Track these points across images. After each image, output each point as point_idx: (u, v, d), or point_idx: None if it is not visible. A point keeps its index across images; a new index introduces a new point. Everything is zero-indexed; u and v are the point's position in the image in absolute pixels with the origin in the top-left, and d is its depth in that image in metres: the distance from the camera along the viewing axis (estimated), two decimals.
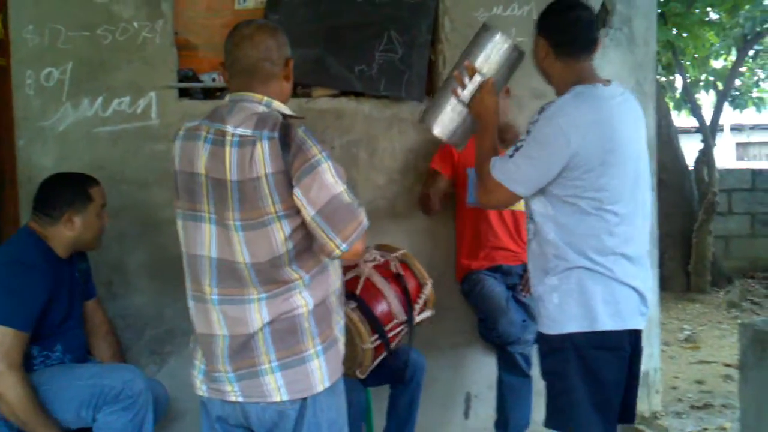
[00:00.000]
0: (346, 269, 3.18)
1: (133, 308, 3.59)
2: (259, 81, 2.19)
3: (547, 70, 2.53)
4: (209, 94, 3.71)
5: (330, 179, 2.04)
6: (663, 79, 10.17)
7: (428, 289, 3.22)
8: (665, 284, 7.78)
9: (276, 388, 2.10)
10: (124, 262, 3.58)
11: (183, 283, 2.25)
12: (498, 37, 2.57)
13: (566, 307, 2.41)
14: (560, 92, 2.47)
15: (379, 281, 3.10)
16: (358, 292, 3.02)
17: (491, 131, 2.56)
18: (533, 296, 2.58)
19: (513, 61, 2.61)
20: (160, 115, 3.57)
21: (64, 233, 2.85)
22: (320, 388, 2.13)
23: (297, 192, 2.03)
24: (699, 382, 5.23)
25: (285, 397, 2.11)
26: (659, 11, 7.47)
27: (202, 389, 2.23)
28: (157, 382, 3.04)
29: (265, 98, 2.17)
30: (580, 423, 2.44)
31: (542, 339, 2.52)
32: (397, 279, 3.16)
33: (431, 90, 3.90)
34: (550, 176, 2.37)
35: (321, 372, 2.13)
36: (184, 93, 3.66)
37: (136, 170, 3.52)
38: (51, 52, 3.48)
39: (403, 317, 3.08)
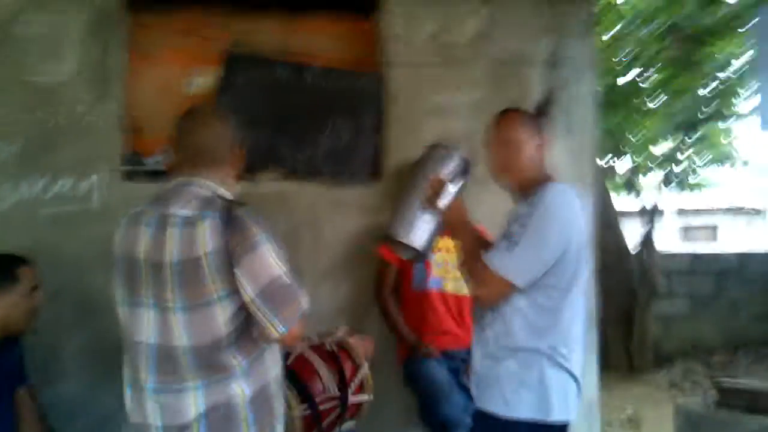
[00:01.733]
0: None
1: (66, 394, 3.49)
2: (207, 165, 2.21)
3: (528, 165, 2.63)
4: (155, 175, 3.70)
5: (270, 261, 2.05)
6: (605, 164, 10.44)
7: (364, 371, 3.20)
8: (607, 365, 7.82)
9: None
10: (60, 346, 3.50)
11: (120, 368, 2.21)
12: (456, 154, 2.73)
13: (523, 394, 2.46)
14: (526, 186, 2.59)
15: (312, 357, 3.08)
16: (288, 363, 3.00)
17: (468, 232, 2.64)
18: (481, 375, 2.59)
19: (467, 171, 2.75)
20: (103, 197, 3.56)
21: None
22: None
23: (237, 272, 2.03)
24: None
25: None
26: (604, 100, 7.76)
27: None
28: None
29: (210, 183, 2.19)
30: None
31: (487, 418, 2.54)
32: (331, 357, 3.14)
33: (377, 175, 3.96)
34: (544, 268, 2.44)
35: None
36: (130, 176, 3.65)
37: (74, 253, 3.48)
38: None
39: (335, 392, 3.05)
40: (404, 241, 2.70)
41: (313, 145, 3.85)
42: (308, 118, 3.86)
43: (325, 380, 3.04)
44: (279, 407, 2.22)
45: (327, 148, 3.86)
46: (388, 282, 3.78)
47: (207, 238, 2.02)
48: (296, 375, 2.97)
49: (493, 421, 2.51)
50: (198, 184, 2.18)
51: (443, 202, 2.64)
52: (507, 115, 2.71)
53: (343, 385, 3.08)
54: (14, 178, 3.49)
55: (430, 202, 2.64)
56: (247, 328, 2.10)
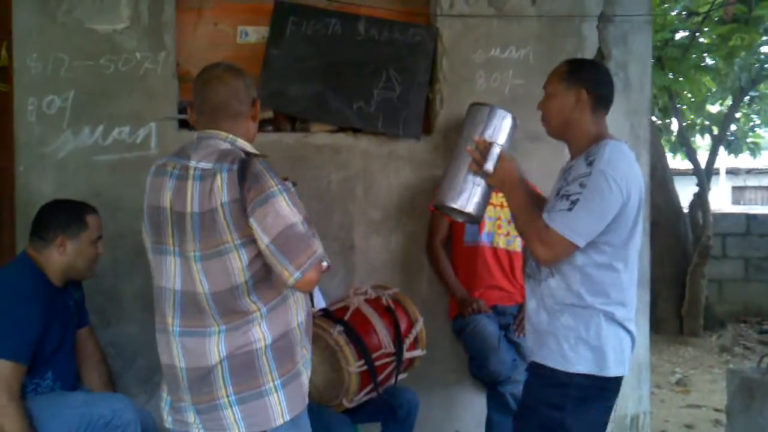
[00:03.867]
0: (335, 300, 3.21)
1: (125, 337, 3.59)
2: (226, 119, 2.28)
3: (574, 121, 2.59)
4: None
5: (285, 209, 2.10)
6: (659, 122, 10.25)
7: (419, 327, 3.24)
8: (658, 327, 7.81)
9: (234, 421, 2.15)
10: (118, 291, 3.59)
11: None
12: (499, 111, 2.70)
13: (580, 349, 2.49)
14: (581, 144, 2.57)
15: (369, 312, 3.12)
16: (346, 318, 3.04)
17: (520, 191, 2.61)
18: (537, 330, 2.61)
19: (513, 129, 2.73)
20: (159, 145, 3.61)
21: (56, 258, 2.86)
22: (279, 422, 2.17)
23: (252, 221, 2.09)
24: (689, 426, 5.22)
25: (242, 431, 2.15)
26: (656, 56, 7.58)
27: (168, 421, 2.29)
28: (146, 412, 3.03)
29: (230, 136, 2.27)
30: None
31: (544, 371, 2.56)
32: (387, 312, 3.17)
33: (428, 129, 3.95)
34: (603, 227, 2.45)
35: (280, 406, 2.17)
36: (183, 124, 3.70)
37: (133, 199, 3.50)
38: (54, 81, 3.53)
39: (391, 349, 3.09)
40: (455, 206, 2.69)
41: (365, 98, 3.84)
42: (360, 70, 3.85)
43: (381, 335, 3.08)
44: (302, 354, 2.27)
45: (379, 100, 3.85)
46: (439, 236, 3.80)
47: (223, 189, 2.10)
48: (354, 330, 3.01)
49: (551, 375, 2.54)
50: (218, 137, 2.26)
51: (491, 163, 2.61)
52: (554, 70, 2.67)
53: (398, 340, 3.12)
54: (74, 125, 3.55)
55: (478, 165, 2.63)
56: (265, 276, 2.17)
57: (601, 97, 2.60)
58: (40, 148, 3.53)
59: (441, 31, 3.95)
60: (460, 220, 2.85)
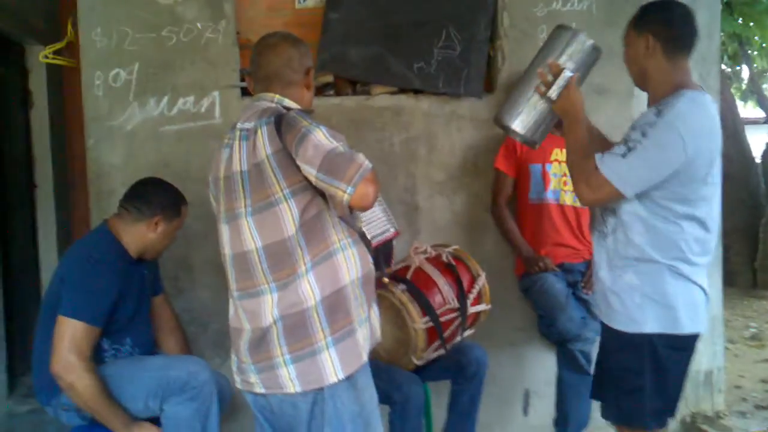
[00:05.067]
0: (396, 261, 3.22)
1: (198, 303, 3.69)
2: (278, 87, 2.35)
3: (649, 68, 2.50)
4: None
5: (322, 139, 2.12)
6: (729, 69, 9.94)
7: (482, 281, 3.23)
8: (731, 280, 7.62)
9: (289, 380, 2.20)
10: (190, 258, 3.68)
11: None
12: (581, 36, 2.62)
13: (647, 308, 2.44)
14: (658, 92, 2.47)
15: (430, 269, 3.13)
16: (408, 276, 3.06)
17: (580, 125, 2.56)
18: (603, 288, 2.58)
19: (593, 59, 2.65)
20: (223, 113, 3.66)
21: (145, 234, 2.94)
22: (333, 379, 2.19)
23: (299, 162, 2.13)
24: (764, 381, 5.11)
25: (298, 389, 2.20)
26: (725, 1, 7.32)
27: (237, 381, 2.38)
28: (221, 375, 3.11)
29: (278, 96, 2.33)
30: (647, 419, 2.51)
31: (615, 335, 2.53)
32: (448, 269, 3.18)
33: (490, 87, 3.90)
34: (660, 180, 2.37)
35: (332, 364, 2.19)
36: (246, 92, 3.73)
37: (201, 168, 3.59)
38: (118, 54, 3.60)
39: (455, 304, 3.10)
40: (509, 125, 2.66)
41: (426, 58, 3.80)
42: (420, 30, 3.81)
43: (444, 292, 3.09)
44: (358, 310, 2.27)
45: (439, 60, 3.81)
46: (504, 193, 3.77)
47: (265, 142, 2.15)
48: (416, 288, 3.03)
49: (622, 337, 2.50)
50: (265, 98, 2.33)
51: (556, 88, 2.56)
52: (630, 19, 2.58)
53: (461, 295, 3.12)
54: (140, 96, 3.62)
55: (543, 88, 2.58)
56: (315, 228, 2.20)
57: (673, 39, 2.46)
58: (109, 120, 3.61)
59: None
60: (517, 139, 2.80)
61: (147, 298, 3.08)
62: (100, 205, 3.58)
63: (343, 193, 2.09)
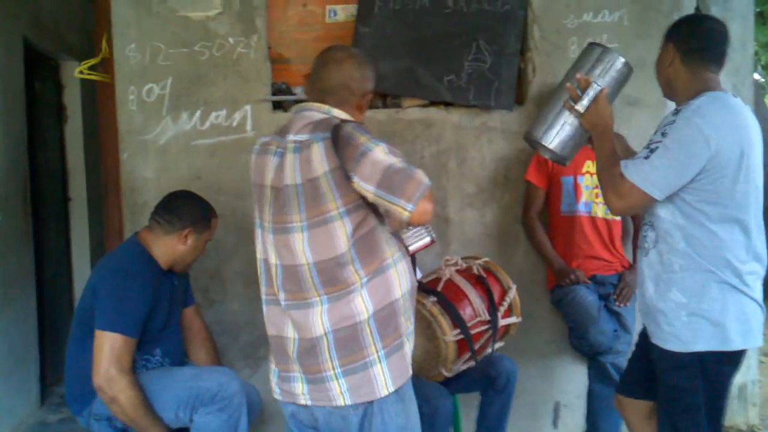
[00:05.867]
0: (427, 273, 3.22)
1: (228, 314, 3.72)
2: (333, 101, 2.31)
3: (671, 78, 2.52)
4: None
5: (381, 156, 2.11)
6: (762, 79, 9.84)
7: (512, 294, 3.22)
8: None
9: (340, 393, 2.19)
10: (220, 270, 3.71)
11: None
12: (612, 53, 2.64)
13: (696, 327, 2.39)
14: (683, 100, 2.46)
15: (461, 282, 3.13)
16: (439, 289, 3.07)
17: (609, 138, 2.55)
18: (649, 308, 2.54)
19: (624, 76, 2.65)
20: (255, 127, 3.69)
21: (175, 246, 2.97)
22: (384, 392, 2.19)
23: (355, 180, 2.11)
24: None
25: (348, 402, 2.19)
26: (758, 11, 7.26)
27: (276, 392, 2.36)
28: (250, 386, 3.12)
29: (326, 107, 2.29)
30: None
31: (665, 355, 2.48)
32: (479, 281, 3.17)
33: (520, 99, 3.90)
34: (687, 179, 2.33)
35: (384, 377, 2.19)
36: (277, 106, 3.76)
37: (232, 181, 3.64)
38: (152, 69, 3.65)
39: (486, 317, 3.09)
40: (538, 139, 2.66)
41: (456, 71, 3.81)
42: (450, 42, 3.81)
43: (475, 304, 3.09)
44: (407, 325, 2.28)
45: (470, 72, 3.81)
46: (535, 206, 3.75)
47: (322, 158, 2.13)
48: (447, 300, 3.03)
49: (672, 357, 2.45)
50: (314, 108, 2.29)
51: (584, 102, 2.55)
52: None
53: (492, 308, 3.11)
54: (173, 111, 3.67)
55: (572, 102, 2.58)
56: (368, 244, 2.19)
57: (694, 51, 2.46)
58: (142, 135, 3.66)
59: None
60: (546, 156, 2.81)
61: (177, 310, 3.11)
62: (134, 218, 3.62)
63: (403, 210, 2.08)
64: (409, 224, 2.21)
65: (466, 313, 3.04)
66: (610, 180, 2.45)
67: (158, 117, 3.66)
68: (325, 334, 2.18)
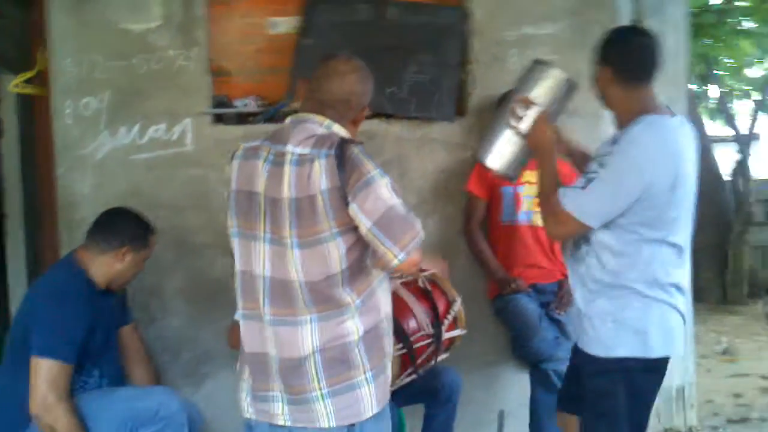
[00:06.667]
0: None
1: (169, 331, 3.66)
2: (332, 114, 2.25)
3: (608, 97, 2.55)
4: (243, 119, 3.77)
5: (385, 193, 2.09)
6: (698, 88, 10.08)
7: (457, 306, 3.23)
8: (701, 296, 7.72)
9: (325, 414, 2.14)
10: (160, 286, 3.65)
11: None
12: (554, 71, 2.65)
13: (621, 333, 2.44)
14: (622, 120, 2.50)
15: (405, 295, 3.12)
16: None
17: (550, 161, 2.58)
18: (578, 314, 2.59)
19: (568, 93, 2.66)
20: (195, 140, 3.65)
21: (113, 264, 2.92)
22: (369, 414, 2.16)
23: (353, 206, 2.07)
24: (736, 395, 5.17)
25: (333, 423, 2.14)
26: (692, 23, 7.44)
27: (249, 411, 2.26)
28: (191, 404, 3.08)
29: (327, 121, 2.23)
30: None
31: (590, 360, 2.54)
32: (424, 294, 3.18)
33: (462, 110, 3.93)
34: (623, 209, 2.38)
35: (370, 398, 2.17)
36: (218, 119, 3.73)
37: (172, 195, 3.60)
38: (89, 82, 3.59)
39: (430, 330, 3.09)
40: (483, 160, 2.68)
41: (397, 83, 3.83)
42: (391, 55, 3.83)
43: (420, 318, 3.08)
44: (389, 345, 2.27)
45: (411, 84, 3.84)
46: (476, 216, 3.79)
47: (323, 176, 2.08)
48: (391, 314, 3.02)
49: (595, 362, 2.50)
50: (314, 120, 2.23)
51: (526, 123, 2.57)
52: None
53: (437, 321, 3.12)
54: (110, 125, 3.61)
55: (513, 122, 2.60)
56: (360, 266, 2.15)
57: (630, 70, 2.48)
58: (79, 149, 3.60)
59: (472, 11, 3.91)
60: (495, 174, 2.82)
61: (115, 329, 3.06)
62: (71, 235, 3.54)
63: (394, 257, 2.07)
64: (391, 269, 2.16)
65: (410, 326, 3.04)
66: (549, 207, 2.49)
67: (95, 131, 3.60)
68: (314, 353, 2.13)
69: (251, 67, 3.88)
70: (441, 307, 3.19)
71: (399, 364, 2.97)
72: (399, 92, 3.82)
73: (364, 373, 2.16)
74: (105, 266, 2.91)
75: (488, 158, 2.69)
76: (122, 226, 2.95)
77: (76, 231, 3.50)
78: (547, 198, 2.51)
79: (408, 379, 3.09)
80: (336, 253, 2.11)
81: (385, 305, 2.25)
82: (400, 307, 3.07)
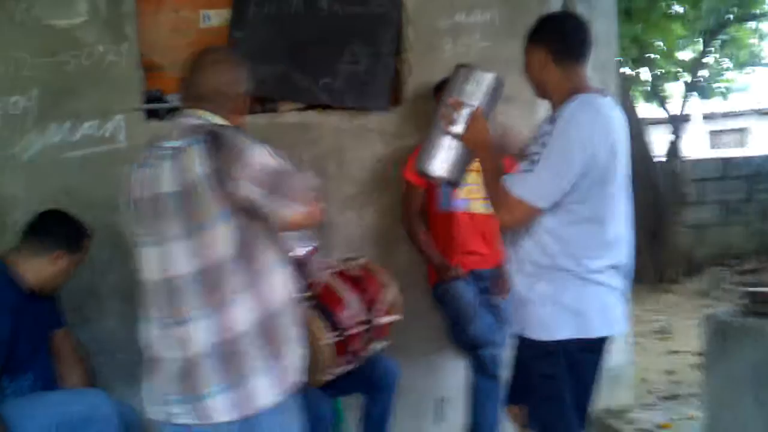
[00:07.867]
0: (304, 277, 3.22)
1: (105, 332, 3.61)
2: (210, 107, 2.25)
3: (543, 80, 2.56)
4: (177, 112, 3.72)
5: (266, 157, 2.08)
6: (631, 72, 10.27)
7: (391, 293, 3.25)
8: (637, 276, 7.85)
9: (219, 410, 2.11)
10: (95, 287, 3.60)
11: None
12: (478, 71, 2.65)
13: (560, 316, 2.46)
14: (557, 100, 2.51)
15: (337, 284, 3.14)
16: (313, 293, 3.06)
17: (490, 153, 2.59)
18: (519, 299, 2.60)
19: (496, 89, 2.68)
20: (129, 136, 3.61)
21: (46, 267, 2.86)
22: (264, 404, 2.14)
23: (240, 183, 2.05)
24: (669, 372, 5.31)
25: (224, 418, 2.12)
26: (623, 8, 7.58)
27: (151, 412, 2.26)
28: (127, 405, 3.00)
29: (206, 114, 2.23)
30: (566, 424, 2.54)
31: (530, 344, 2.55)
32: (356, 282, 3.20)
33: (397, 99, 3.95)
34: (569, 185, 2.39)
35: (264, 390, 2.14)
36: (152, 114, 3.69)
37: (106, 194, 3.48)
38: (16, 81, 3.52)
39: (362, 317, 3.11)
40: (426, 171, 2.69)
41: (332, 74, 3.84)
42: (325, 46, 3.84)
43: (352, 305, 3.10)
44: (291, 332, 2.23)
45: (346, 75, 3.85)
46: (414, 204, 3.81)
47: (198, 162, 2.06)
48: (323, 304, 3.03)
49: (537, 346, 2.52)
50: (191, 115, 2.23)
51: (460, 124, 2.59)
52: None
53: (370, 307, 3.14)
54: (40, 123, 3.54)
55: (448, 126, 2.61)
56: (248, 250, 2.13)
57: (565, 50, 2.52)
58: (8, 149, 3.53)
59: (404, 0, 3.93)
60: (439, 182, 2.85)
61: (46, 333, 2.99)
62: (3, 238, 3.44)
63: (292, 212, 2.08)
64: (296, 227, 2.19)
65: (342, 315, 3.05)
66: (498, 198, 2.49)
67: (24, 130, 3.53)
68: (205, 349, 2.11)
69: (184, 60, 3.81)
70: (374, 293, 3.21)
71: (333, 353, 2.98)
72: (333, 83, 3.83)
73: (258, 363, 2.13)
74: (37, 270, 2.85)
75: (431, 168, 2.69)
76: (56, 229, 2.89)
77: (9, 234, 3.41)
78: (494, 190, 2.51)
79: (348, 367, 3.11)
80: (223, 237, 2.08)
81: (282, 291, 2.22)
82: (331, 296, 3.09)
